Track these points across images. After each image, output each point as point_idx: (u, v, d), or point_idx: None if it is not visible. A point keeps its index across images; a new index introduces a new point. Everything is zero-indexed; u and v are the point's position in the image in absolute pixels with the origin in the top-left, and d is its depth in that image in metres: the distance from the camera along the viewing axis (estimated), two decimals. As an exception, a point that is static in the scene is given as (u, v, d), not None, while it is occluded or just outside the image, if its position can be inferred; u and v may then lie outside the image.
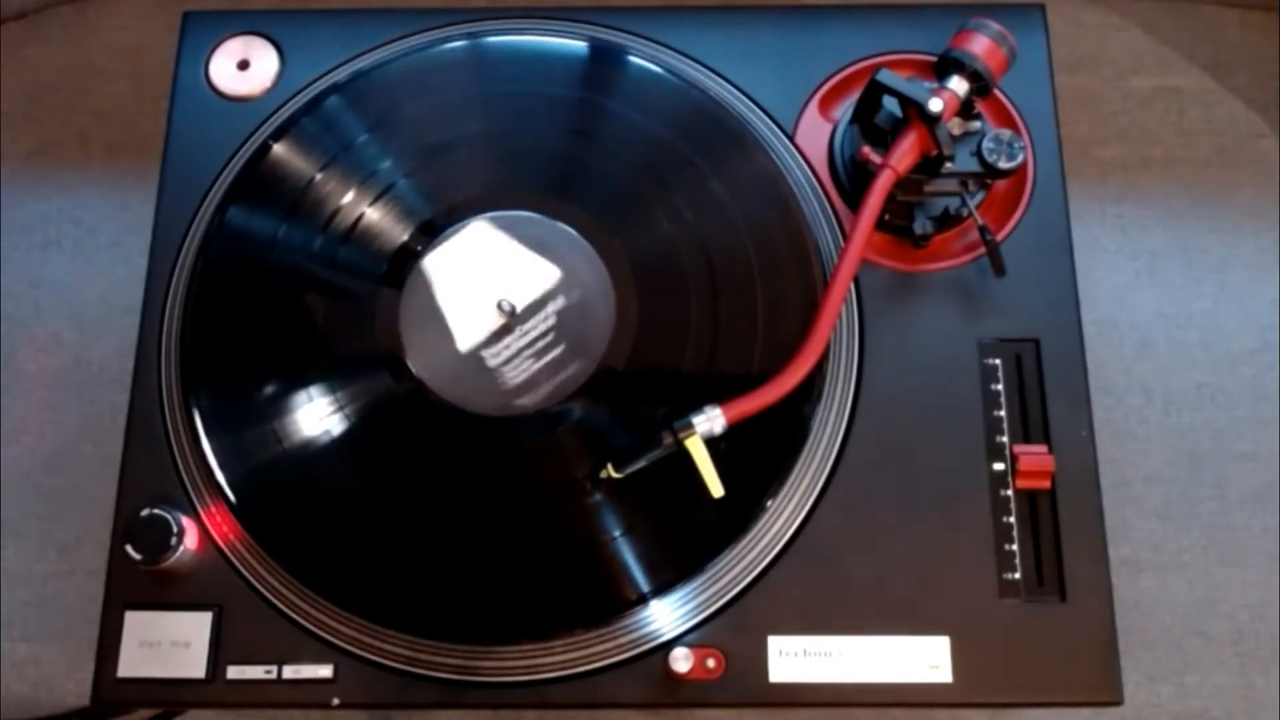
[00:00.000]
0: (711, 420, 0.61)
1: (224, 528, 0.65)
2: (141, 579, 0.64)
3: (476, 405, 0.65)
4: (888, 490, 0.66)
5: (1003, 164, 0.66)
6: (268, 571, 0.65)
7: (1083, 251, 0.75)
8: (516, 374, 0.66)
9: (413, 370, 0.66)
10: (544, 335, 0.67)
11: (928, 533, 0.65)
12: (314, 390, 0.66)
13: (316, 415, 0.66)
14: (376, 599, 0.63)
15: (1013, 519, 0.65)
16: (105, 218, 0.87)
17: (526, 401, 0.65)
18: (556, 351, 0.66)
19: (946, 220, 0.69)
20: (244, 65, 0.75)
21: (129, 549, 0.63)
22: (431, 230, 0.68)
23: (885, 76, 0.65)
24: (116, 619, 0.64)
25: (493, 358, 0.66)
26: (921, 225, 0.69)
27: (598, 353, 0.66)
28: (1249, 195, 0.86)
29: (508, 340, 0.67)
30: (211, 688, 0.63)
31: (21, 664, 0.78)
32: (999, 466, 0.66)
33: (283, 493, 0.65)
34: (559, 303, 0.67)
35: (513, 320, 0.67)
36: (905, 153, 0.65)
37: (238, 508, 0.64)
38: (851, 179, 0.71)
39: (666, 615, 0.64)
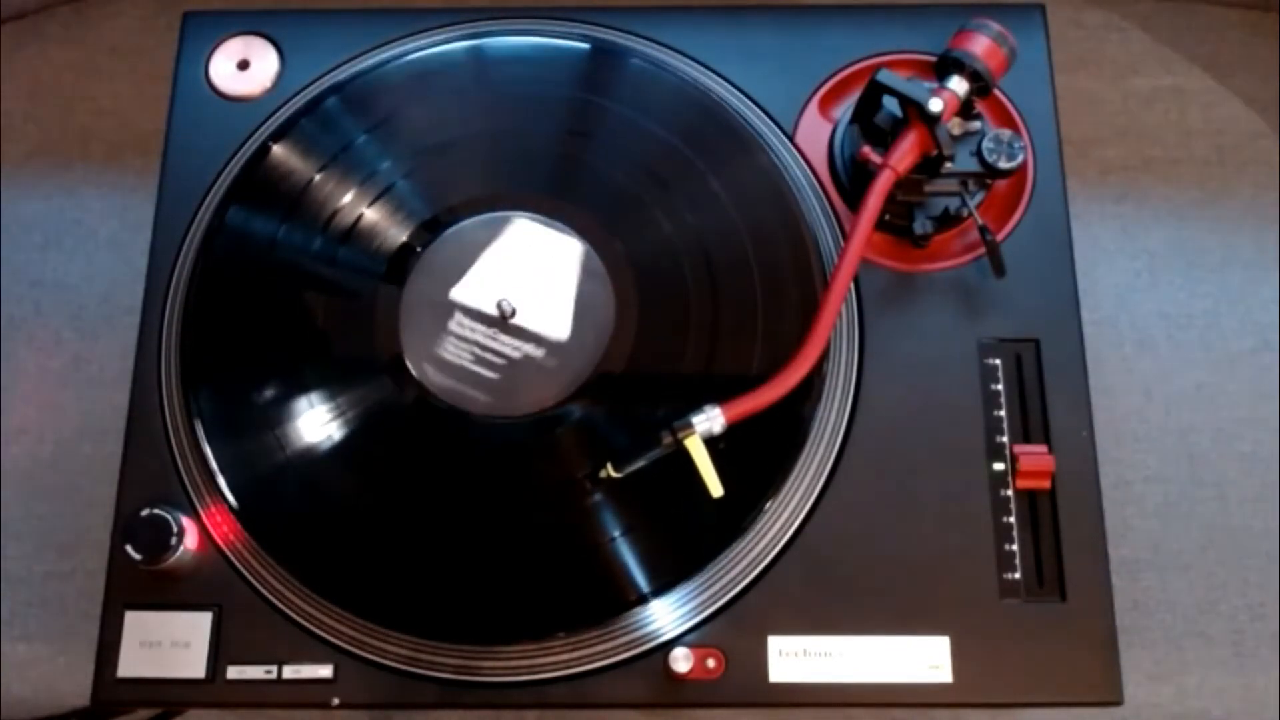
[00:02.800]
0: (711, 420, 0.61)
1: (224, 528, 0.65)
2: (141, 579, 0.64)
3: (476, 406, 0.65)
4: (888, 490, 0.66)
5: (1003, 164, 0.66)
6: (268, 571, 0.65)
7: (1083, 251, 0.75)
8: (515, 373, 0.66)
9: (412, 370, 0.66)
10: (543, 335, 0.67)
11: (928, 533, 0.65)
12: (313, 390, 0.66)
13: (316, 415, 0.66)
14: (376, 599, 0.63)
15: (1013, 519, 0.65)
16: (105, 218, 0.87)
17: (526, 402, 0.65)
18: (556, 351, 0.66)
19: (946, 220, 0.69)
20: (244, 65, 0.75)
21: (129, 549, 0.63)
22: (431, 230, 0.68)
23: (885, 76, 0.65)
24: (116, 619, 0.64)
25: (492, 357, 0.66)
26: (921, 225, 0.69)
27: (598, 353, 0.66)
28: (1249, 195, 0.86)
29: (508, 339, 0.67)
30: (211, 688, 0.63)
31: (21, 664, 0.78)
32: (999, 466, 0.66)
33: (282, 493, 0.65)
34: (559, 307, 0.67)
35: (512, 320, 0.67)
36: (905, 153, 0.65)
37: (237, 508, 0.64)
38: (851, 179, 0.71)
39: (666, 615, 0.64)
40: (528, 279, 0.68)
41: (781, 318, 0.67)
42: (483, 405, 0.65)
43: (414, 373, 0.66)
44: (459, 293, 0.68)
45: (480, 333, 0.67)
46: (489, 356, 0.66)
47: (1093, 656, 0.63)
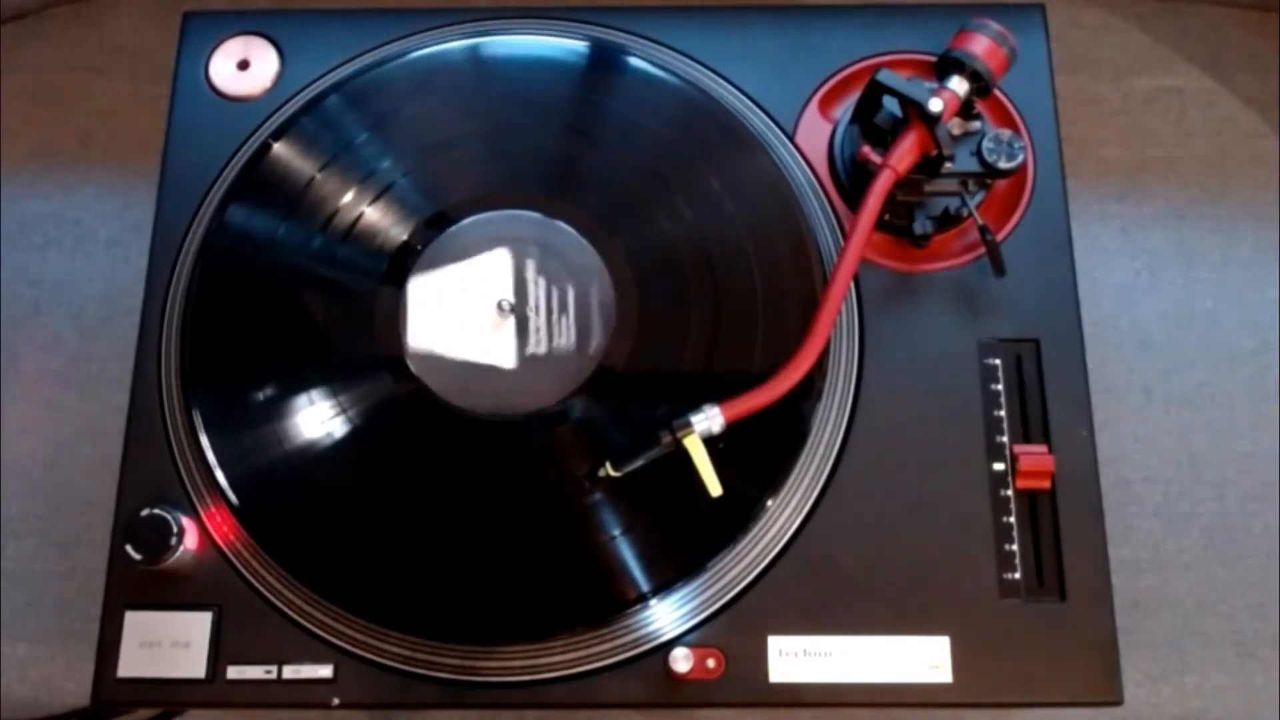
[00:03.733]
0: (710, 419, 0.61)
1: (224, 528, 0.65)
2: (141, 579, 0.64)
3: (476, 405, 0.65)
4: (888, 490, 0.66)
5: (1003, 164, 0.66)
6: (268, 571, 0.65)
7: (1083, 251, 0.75)
8: (515, 372, 0.66)
9: (412, 370, 0.66)
10: (543, 334, 0.67)
11: (928, 533, 0.65)
12: (313, 390, 0.66)
13: (316, 415, 0.66)
14: (376, 599, 0.63)
15: (1013, 519, 0.65)
16: (105, 218, 0.87)
17: (526, 401, 0.65)
18: (556, 350, 0.66)
19: (946, 220, 0.69)
20: (244, 65, 0.75)
21: (129, 549, 0.63)
22: (431, 229, 0.69)
23: (885, 76, 0.65)
24: (116, 619, 0.64)
25: (491, 356, 0.66)
26: (921, 225, 0.69)
27: (597, 352, 0.66)
28: (1249, 195, 0.86)
29: (508, 339, 0.67)
30: (211, 688, 0.63)
31: (21, 664, 0.78)
32: (999, 466, 0.66)
33: (283, 493, 0.65)
34: (558, 307, 0.67)
35: (512, 319, 0.67)
36: (905, 153, 0.65)
37: (238, 508, 0.64)
38: (851, 179, 0.71)
39: (666, 615, 0.64)
40: (528, 278, 0.68)
41: (781, 317, 0.67)
42: (482, 404, 0.65)
43: (414, 372, 0.66)
44: (459, 292, 0.68)
45: (480, 331, 0.67)
46: (489, 356, 0.66)
47: (1093, 656, 0.63)
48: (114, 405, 0.80)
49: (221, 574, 0.65)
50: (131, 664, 0.63)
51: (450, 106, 0.72)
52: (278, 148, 0.71)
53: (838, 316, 0.67)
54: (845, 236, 0.66)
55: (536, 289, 0.68)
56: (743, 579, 0.64)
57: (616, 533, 0.63)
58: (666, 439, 0.61)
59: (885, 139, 0.67)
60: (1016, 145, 0.66)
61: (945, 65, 0.67)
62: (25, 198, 0.88)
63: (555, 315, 0.67)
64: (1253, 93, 0.89)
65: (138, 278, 0.71)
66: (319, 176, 0.70)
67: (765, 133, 0.72)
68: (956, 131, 0.67)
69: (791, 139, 0.73)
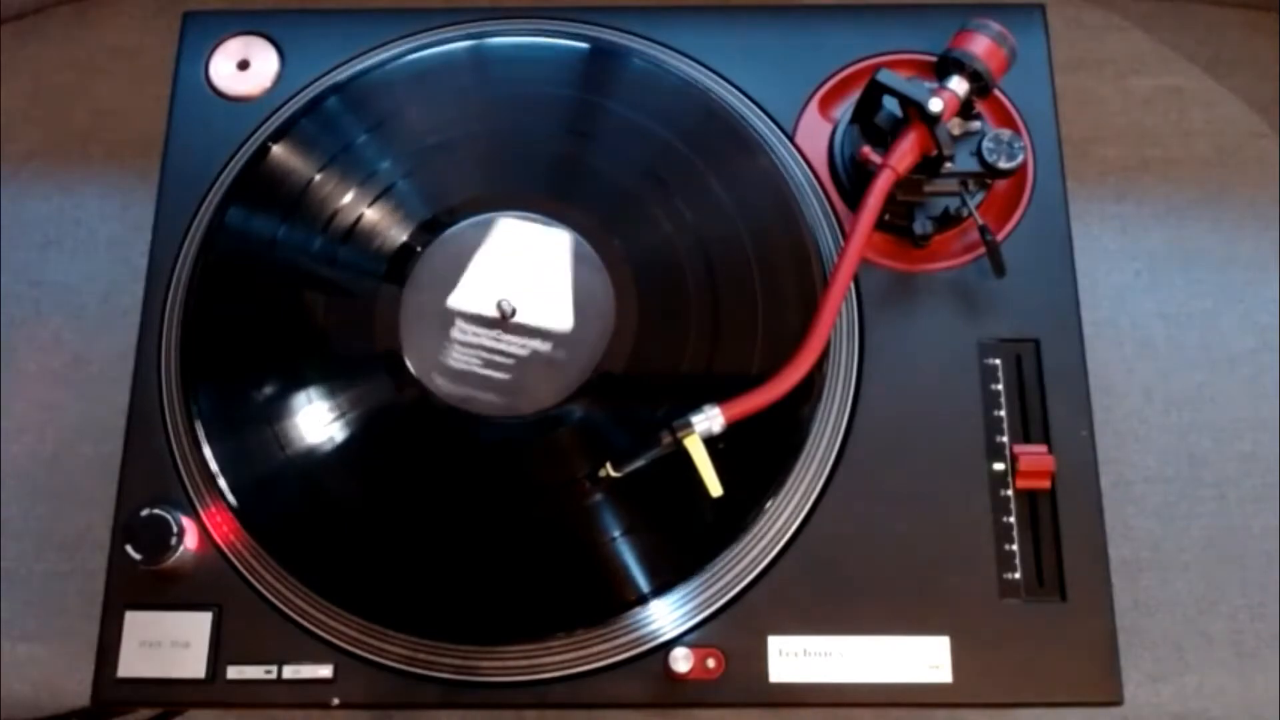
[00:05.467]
0: (710, 419, 0.61)
1: (224, 528, 0.65)
2: (141, 579, 0.64)
3: (476, 405, 0.65)
4: (888, 490, 0.66)
5: (1003, 164, 0.66)
6: (268, 571, 0.65)
7: (1083, 251, 0.75)
8: (515, 373, 0.66)
9: (411, 370, 0.66)
10: (543, 335, 0.67)
11: (928, 533, 0.65)
12: (313, 390, 0.66)
13: (316, 415, 0.66)
14: (376, 599, 0.63)
15: (1013, 519, 0.65)
16: (105, 218, 0.87)
17: (526, 401, 0.65)
18: (555, 351, 0.66)
19: (946, 220, 0.69)
20: (244, 65, 0.75)
21: (129, 549, 0.63)
22: (431, 230, 0.69)
23: (885, 76, 0.65)
24: (116, 619, 0.64)
25: (491, 356, 0.66)
26: (921, 225, 0.69)
27: (597, 353, 0.66)
28: (1249, 195, 0.86)
29: (508, 339, 0.67)
30: (211, 688, 0.63)
31: (21, 664, 0.78)
32: (999, 466, 0.66)
33: (283, 493, 0.65)
34: (558, 307, 0.67)
35: (512, 319, 0.67)
36: (905, 153, 0.65)
37: (238, 508, 0.64)
38: (851, 179, 0.71)
39: (666, 615, 0.64)
40: (528, 278, 0.68)
41: (781, 317, 0.67)
42: (482, 405, 0.65)
43: (414, 372, 0.66)
44: (458, 293, 0.68)
45: (480, 333, 0.67)
46: (489, 356, 0.66)
47: (1093, 656, 0.63)
48: (114, 405, 0.80)
49: (221, 574, 0.65)
50: (131, 664, 0.64)
51: (450, 107, 0.72)
52: (277, 148, 0.71)
53: (838, 316, 0.67)
54: (845, 236, 0.66)
55: (536, 289, 0.68)
56: (743, 579, 0.64)
57: (617, 533, 0.63)
58: (667, 439, 0.61)
59: (885, 139, 0.67)
60: (1016, 145, 0.66)
61: (945, 65, 0.66)
62: (25, 198, 0.88)
63: (555, 315, 0.67)
64: (1253, 93, 0.89)
65: (138, 278, 0.71)
66: (319, 177, 0.70)
67: (765, 133, 0.72)
68: (956, 131, 0.67)
69: (791, 139, 0.73)
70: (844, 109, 0.73)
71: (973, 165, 0.67)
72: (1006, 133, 0.67)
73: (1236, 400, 0.82)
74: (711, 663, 0.63)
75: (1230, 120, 0.88)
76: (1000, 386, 0.68)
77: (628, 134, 0.71)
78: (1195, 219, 0.86)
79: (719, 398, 0.62)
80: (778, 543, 0.65)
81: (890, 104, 0.67)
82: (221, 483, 0.65)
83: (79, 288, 0.86)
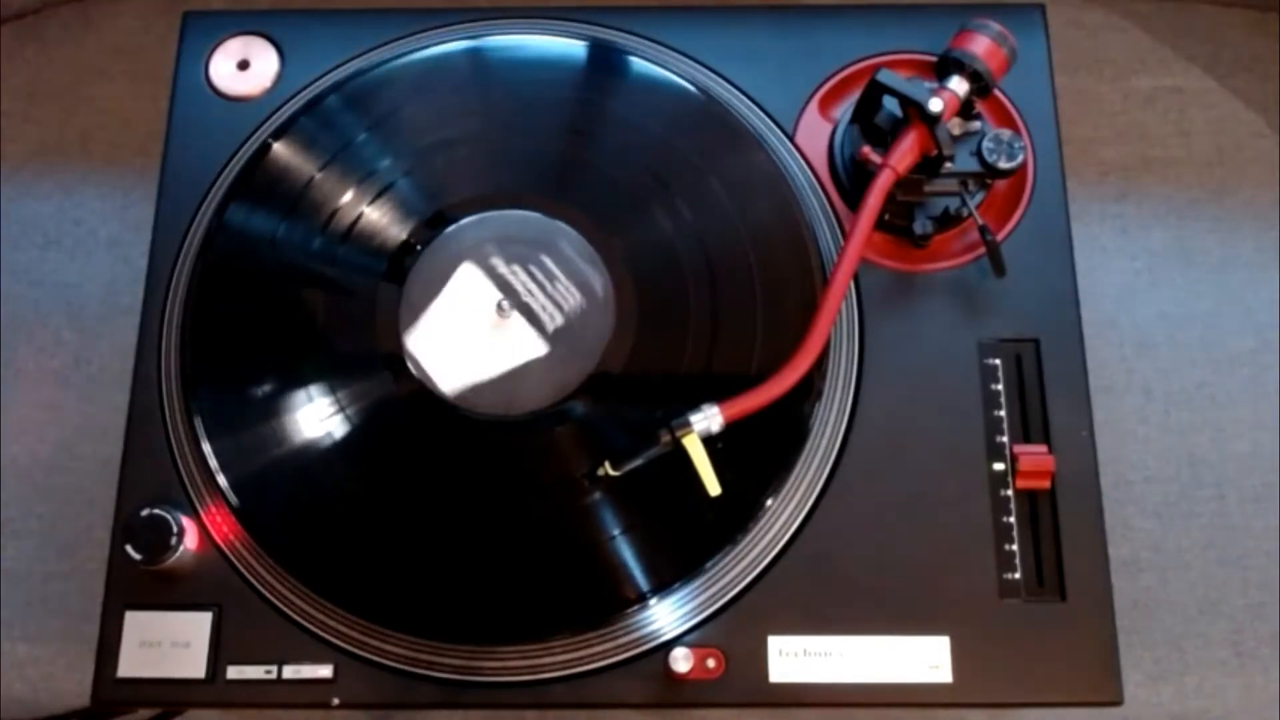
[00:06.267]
0: (709, 418, 0.61)
1: (224, 528, 0.65)
2: (141, 579, 0.64)
3: (476, 404, 0.65)
4: (888, 490, 0.66)
5: (1003, 164, 0.66)
6: (268, 571, 0.65)
7: (1083, 251, 0.74)
8: (514, 372, 0.66)
9: (412, 370, 0.66)
10: (542, 334, 0.67)
11: (928, 533, 0.65)
12: (313, 390, 0.66)
13: (316, 415, 0.66)
14: (376, 599, 0.63)
15: (1013, 519, 0.65)
16: (105, 218, 0.87)
17: (525, 400, 0.65)
18: (555, 350, 0.66)
19: (946, 220, 0.69)
20: (244, 65, 0.75)
21: (129, 549, 0.63)
22: (431, 229, 0.69)
23: (885, 76, 0.65)
24: (116, 619, 0.64)
25: (491, 356, 0.66)
26: (921, 225, 0.69)
27: (597, 352, 0.66)
28: (1249, 195, 0.86)
29: (507, 338, 0.67)
30: (211, 688, 0.63)
31: (21, 664, 0.78)
32: (999, 466, 0.66)
33: (283, 493, 0.65)
34: (558, 306, 0.67)
35: (512, 319, 0.67)
36: (905, 153, 0.65)
37: (238, 508, 0.64)
38: (851, 179, 0.71)
39: (666, 615, 0.64)
40: (527, 278, 0.68)
41: (781, 317, 0.67)
42: (482, 404, 0.65)
43: (414, 372, 0.66)
44: (459, 292, 0.68)
45: (480, 332, 0.67)
46: (488, 355, 0.66)
47: (1093, 656, 0.63)
48: (114, 405, 0.80)
49: (221, 574, 0.65)
50: (131, 664, 0.63)
51: (450, 106, 0.72)
52: (278, 147, 0.71)
53: (837, 316, 0.67)
54: (845, 236, 0.66)
55: (536, 289, 0.68)
56: (743, 579, 0.64)
57: (616, 532, 0.63)
58: (665, 438, 0.61)
59: (885, 139, 0.67)
60: (1016, 145, 0.66)
61: (945, 65, 0.66)
62: (25, 198, 0.88)
63: (554, 314, 0.67)
64: (1253, 93, 0.89)
65: (138, 278, 0.71)
66: (319, 176, 0.70)
67: (765, 133, 0.72)
68: (956, 131, 0.67)
69: (791, 139, 0.73)
70: (844, 109, 0.73)
71: (973, 165, 0.67)
72: (1006, 133, 0.67)
73: (1236, 400, 0.82)
74: (711, 663, 0.63)
75: (1230, 120, 0.88)
76: (1000, 386, 0.68)
77: (627, 133, 0.71)
78: (1195, 219, 0.86)
79: (718, 397, 0.62)
80: (778, 543, 0.65)
81: (890, 104, 0.67)
82: (221, 482, 0.65)
83: (79, 288, 0.86)
